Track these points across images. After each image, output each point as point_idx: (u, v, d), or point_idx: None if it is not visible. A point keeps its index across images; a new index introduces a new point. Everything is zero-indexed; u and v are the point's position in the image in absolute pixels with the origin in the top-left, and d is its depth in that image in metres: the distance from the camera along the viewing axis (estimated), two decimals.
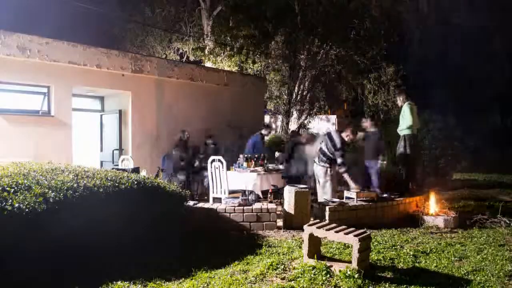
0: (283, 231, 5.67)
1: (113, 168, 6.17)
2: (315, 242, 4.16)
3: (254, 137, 8.64)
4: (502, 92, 18.14)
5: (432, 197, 6.67)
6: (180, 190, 5.49)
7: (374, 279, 3.74)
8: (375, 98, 16.61)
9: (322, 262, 3.96)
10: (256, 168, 7.59)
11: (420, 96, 16.18)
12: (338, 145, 6.15)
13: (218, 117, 10.23)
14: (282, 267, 4.08)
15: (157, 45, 16.18)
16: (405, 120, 6.84)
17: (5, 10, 12.55)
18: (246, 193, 6.39)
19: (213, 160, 6.71)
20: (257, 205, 5.88)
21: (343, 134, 6.35)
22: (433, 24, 17.46)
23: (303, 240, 4.19)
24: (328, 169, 6.27)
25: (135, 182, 4.71)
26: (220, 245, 4.95)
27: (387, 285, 3.63)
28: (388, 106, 16.25)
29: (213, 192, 6.82)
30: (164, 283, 3.65)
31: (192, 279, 3.73)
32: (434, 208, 6.43)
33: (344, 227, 4.13)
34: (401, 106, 7.00)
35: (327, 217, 5.73)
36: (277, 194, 7.13)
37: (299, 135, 9.13)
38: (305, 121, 16.64)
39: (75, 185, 4.03)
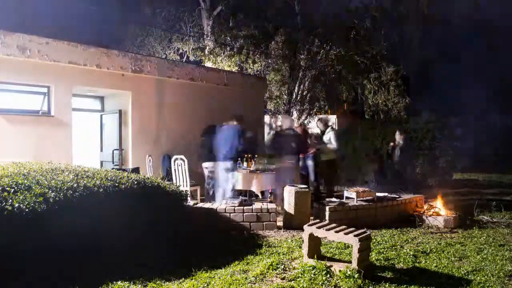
0: (283, 231, 5.67)
1: (113, 168, 6.17)
2: (315, 242, 4.16)
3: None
4: (503, 91, 18.15)
5: (432, 197, 6.68)
6: (180, 190, 5.49)
7: (374, 279, 3.74)
8: (375, 98, 16.59)
9: (322, 262, 3.96)
10: (256, 168, 7.59)
11: (420, 96, 16.22)
12: None
13: (218, 117, 10.21)
14: (282, 267, 4.08)
15: (157, 45, 16.17)
16: None
17: (5, 10, 12.54)
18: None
19: None
20: (257, 205, 5.88)
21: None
22: (433, 24, 17.46)
23: (303, 240, 4.19)
24: None
25: (135, 182, 4.71)
26: (220, 245, 4.95)
27: (387, 285, 3.64)
28: (388, 106, 16.24)
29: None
30: (164, 283, 3.65)
31: (192, 279, 3.73)
32: (434, 208, 6.43)
33: (344, 227, 4.13)
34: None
35: (327, 217, 5.73)
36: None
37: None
38: (305, 121, 16.63)
39: (75, 185, 4.03)
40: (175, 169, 7.38)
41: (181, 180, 7.28)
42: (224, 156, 7.01)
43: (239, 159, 7.80)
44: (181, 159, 7.28)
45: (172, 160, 7.46)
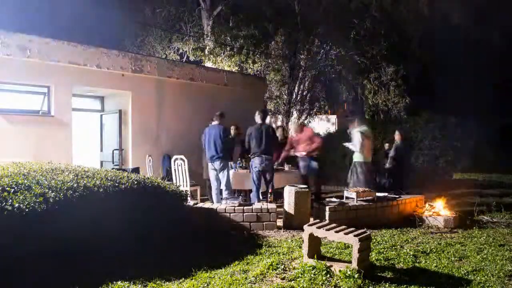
0: (283, 231, 5.67)
1: (113, 168, 6.17)
2: (315, 242, 4.16)
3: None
4: (503, 91, 18.15)
5: (432, 197, 6.67)
6: (180, 190, 5.49)
7: (374, 279, 3.74)
8: (375, 98, 16.60)
9: (322, 262, 3.96)
10: None
11: (420, 96, 16.22)
12: None
13: None
14: (282, 267, 4.08)
15: (157, 45, 16.17)
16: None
17: (5, 10, 12.54)
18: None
19: None
20: (257, 205, 5.88)
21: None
22: (433, 24, 17.45)
23: (303, 240, 4.19)
24: None
25: (135, 182, 4.71)
26: (220, 245, 4.95)
27: (387, 285, 3.64)
28: (388, 106, 16.25)
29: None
30: (164, 283, 3.65)
31: (192, 279, 3.73)
32: (434, 208, 6.43)
33: (344, 227, 4.13)
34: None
35: (327, 217, 5.73)
36: (277, 194, 7.14)
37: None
38: (305, 121, 16.64)
39: (75, 185, 4.03)
40: (175, 169, 7.40)
41: (181, 180, 7.29)
42: (210, 157, 6.97)
43: (239, 159, 7.81)
44: (181, 159, 7.30)
45: (172, 160, 7.47)
